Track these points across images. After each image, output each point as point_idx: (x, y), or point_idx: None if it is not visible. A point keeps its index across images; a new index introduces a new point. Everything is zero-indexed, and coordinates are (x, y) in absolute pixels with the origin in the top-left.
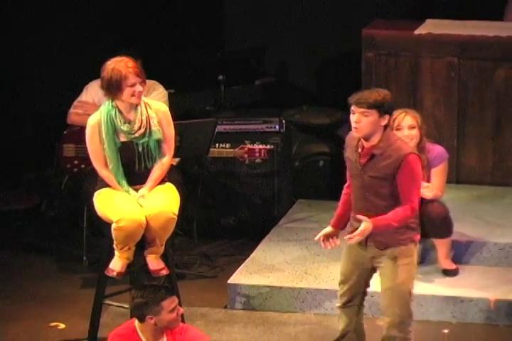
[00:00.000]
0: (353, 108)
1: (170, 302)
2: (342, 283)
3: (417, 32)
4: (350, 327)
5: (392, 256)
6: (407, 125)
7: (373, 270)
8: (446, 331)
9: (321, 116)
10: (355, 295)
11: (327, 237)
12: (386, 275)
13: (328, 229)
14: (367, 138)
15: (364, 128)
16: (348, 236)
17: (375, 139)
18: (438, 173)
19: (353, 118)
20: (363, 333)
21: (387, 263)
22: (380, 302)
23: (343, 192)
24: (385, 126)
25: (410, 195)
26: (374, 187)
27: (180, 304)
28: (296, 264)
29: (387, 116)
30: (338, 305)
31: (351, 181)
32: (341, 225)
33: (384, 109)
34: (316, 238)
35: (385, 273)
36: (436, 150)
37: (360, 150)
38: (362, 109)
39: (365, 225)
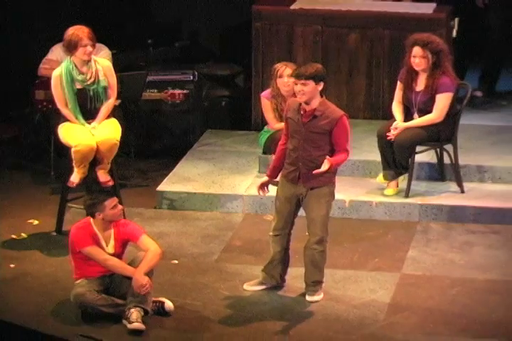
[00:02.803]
0: (295, 80)
1: (111, 202)
2: (277, 215)
3: (292, 7)
4: (281, 253)
5: (318, 195)
6: (286, 74)
7: (299, 204)
8: None
9: (223, 68)
10: (287, 225)
11: (263, 186)
12: (312, 209)
13: (264, 179)
14: (308, 102)
15: (306, 94)
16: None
17: (314, 104)
18: None
19: (296, 88)
20: (288, 256)
21: (314, 200)
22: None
23: (278, 148)
24: (321, 94)
25: (345, 144)
26: (314, 140)
27: (121, 203)
28: (205, 176)
29: (321, 83)
30: (271, 234)
31: (289, 137)
32: (275, 175)
33: (318, 78)
34: (257, 187)
35: (312, 207)
36: None
37: (302, 112)
38: (302, 81)
39: (326, 165)
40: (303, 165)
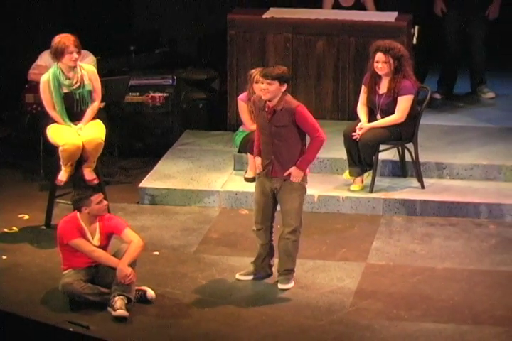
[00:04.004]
0: (261, 79)
1: (96, 197)
2: (256, 209)
3: (264, 16)
4: (266, 246)
5: (291, 189)
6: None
7: (276, 197)
8: None
9: (200, 73)
10: (267, 218)
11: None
12: (286, 201)
13: (258, 159)
14: (271, 100)
15: (270, 93)
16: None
17: (276, 100)
18: None
19: (262, 86)
20: (273, 247)
21: (287, 193)
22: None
23: (256, 132)
24: (284, 92)
25: (313, 130)
26: (279, 134)
27: (106, 199)
28: (184, 173)
29: (285, 84)
30: (254, 228)
31: (260, 131)
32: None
33: (283, 79)
34: (258, 168)
35: (286, 200)
36: None
37: (266, 109)
38: (268, 80)
39: (294, 171)
40: (275, 158)
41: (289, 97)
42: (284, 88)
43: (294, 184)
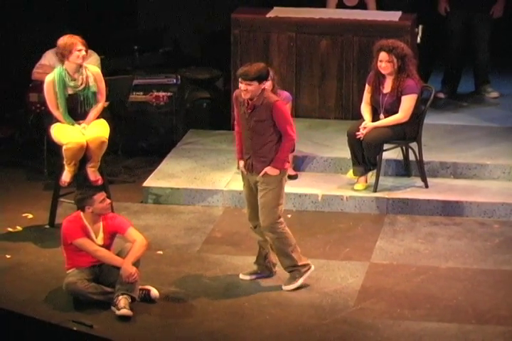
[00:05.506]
0: (240, 79)
1: (99, 196)
2: (247, 206)
3: (268, 15)
4: (265, 242)
5: (267, 182)
6: None
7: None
8: (289, 216)
9: (203, 72)
10: (258, 213)
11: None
12: (261, 196)
13: (241, 162)
14: (251, 98)
15: (250, 93)
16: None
17: (256, 97)
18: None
19: (241, 86)
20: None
21: (262, 187)
22: None
23: (236, 135)
24: (263, 89)
25: (286, 129)
26: (259, 128)
27: (109, 198)
28: (188, 173)
29: (265, 82)
30: (250, 226)
31: (239, 126)
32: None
33: (261, 78)
34: (241, 169)
35: (260, 194)
36: (284, 94)
37: (246, 104)
38: (246, 81)
39: (269, 171)
40: (253, 153)
41: (271, 94)
42: (263, 85)
43: (270, 178)
